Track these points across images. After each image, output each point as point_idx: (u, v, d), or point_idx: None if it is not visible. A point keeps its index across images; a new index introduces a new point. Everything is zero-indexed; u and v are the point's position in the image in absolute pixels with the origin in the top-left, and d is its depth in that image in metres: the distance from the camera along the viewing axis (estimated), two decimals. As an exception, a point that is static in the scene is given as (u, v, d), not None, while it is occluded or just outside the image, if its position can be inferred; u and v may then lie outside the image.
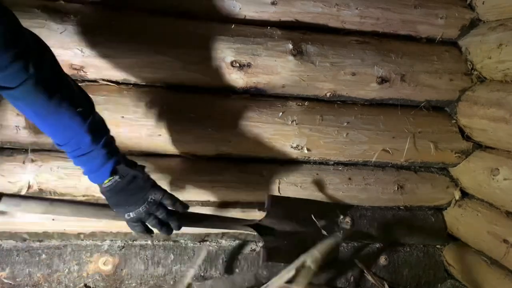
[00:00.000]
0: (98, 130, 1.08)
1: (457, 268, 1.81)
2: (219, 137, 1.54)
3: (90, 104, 1.10)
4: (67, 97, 1.00)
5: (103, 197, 1.15)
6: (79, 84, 1.45)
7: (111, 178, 1.11)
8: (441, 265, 1.87)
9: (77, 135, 1.03)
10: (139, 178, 1.16)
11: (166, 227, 1.23)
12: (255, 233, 1.43)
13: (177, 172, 1.57)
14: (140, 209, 1.15)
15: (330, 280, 1.75)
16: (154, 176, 1.52)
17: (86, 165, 1.10)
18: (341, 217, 1.64)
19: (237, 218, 1.47)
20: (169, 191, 1.53)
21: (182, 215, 1.26)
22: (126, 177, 1.12)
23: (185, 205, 1.25)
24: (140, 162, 1.54)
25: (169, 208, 1.23)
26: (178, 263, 1.63)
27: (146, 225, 1.21)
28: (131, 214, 1.15)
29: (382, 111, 1.69)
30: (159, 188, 1.22)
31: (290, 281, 1.53)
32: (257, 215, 1.67)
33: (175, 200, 1.23)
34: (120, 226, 1.58)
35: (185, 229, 1.63)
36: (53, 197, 1.47)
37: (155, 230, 1.24)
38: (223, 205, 1.66)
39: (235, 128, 1.54)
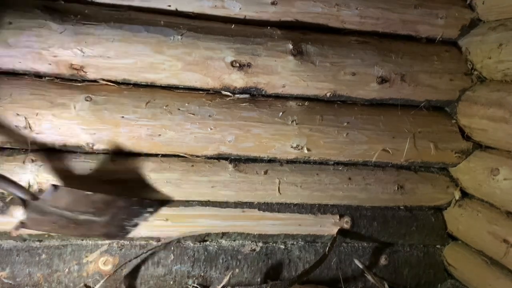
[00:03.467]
0: None
1: (457, 268, 1.81)
2: (219, 137, 1.54)
3: None
4: None
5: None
6: (79, 84, 1.47)
7: None
8: (441, 265, 1.87)
9: None
10: None
11: None
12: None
13: (177, 172, 1.57)
14: None
15: (331, 280, 1.75)
16: (154, 176, 1.55)
17: None
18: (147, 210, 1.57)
19: (13, 181, 1.28)
20: (169, 191, 1.54)
21: None
22: None
23: None
24: (140, 162, 1.56)
25: None
26: (178, 263, 1.63)
27: None
28: None
29: (382, 111, 1.69)
30: None
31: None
32: (246, 214, 1.68)
33: None
34: (120, 226, 1.59)
35: (184, 229, 1.64)
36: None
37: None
38: (223, 205, 1.66)
39: (235, 128, 1.54)
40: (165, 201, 1.61)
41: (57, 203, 1.34)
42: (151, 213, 1.58)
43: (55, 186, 1.29)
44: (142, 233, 1.61)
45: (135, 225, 1.57)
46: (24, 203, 1.29)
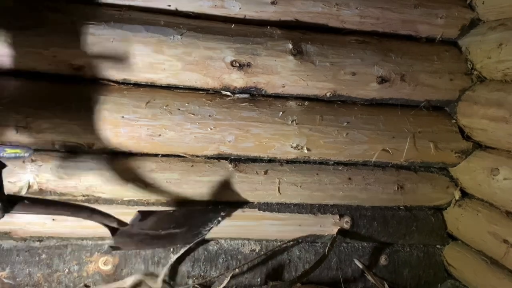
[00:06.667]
0: None
1: (457, 268, 1.81)
2: (219, 137, 1.54)
3: None
4: None
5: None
6: (79, 84, 1.47)
7: None
8: (441, 265, 1.87)
9: None
10: None
11: None
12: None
13: (177, 172, 1.57)
14: None
15: (331, 280, 1.75)
16: (154, 176, 1.55)
17: None
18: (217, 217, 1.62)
19: (104, 213, 1.31)
20: (169, 191, 1.53)
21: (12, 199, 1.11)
22: None
23: None
24: (140, 162, 1.56)
25: None
26: (178, 263, 1.63)
27: None
28: None
29: (382, 111, 1.69)
30: None
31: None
32: (246, 214, 1.68)
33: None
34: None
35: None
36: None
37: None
38: (223, 205, 1.66)
39: (235, 128, 1.54)
40: (243, 203, 1.67)
41: (143, 226, 1.40)
42: (223, 216, 1.63)
43: (141, 213, 1.32)
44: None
45: (210, 229, 1.64)
46: (114, 231, 1.34)
